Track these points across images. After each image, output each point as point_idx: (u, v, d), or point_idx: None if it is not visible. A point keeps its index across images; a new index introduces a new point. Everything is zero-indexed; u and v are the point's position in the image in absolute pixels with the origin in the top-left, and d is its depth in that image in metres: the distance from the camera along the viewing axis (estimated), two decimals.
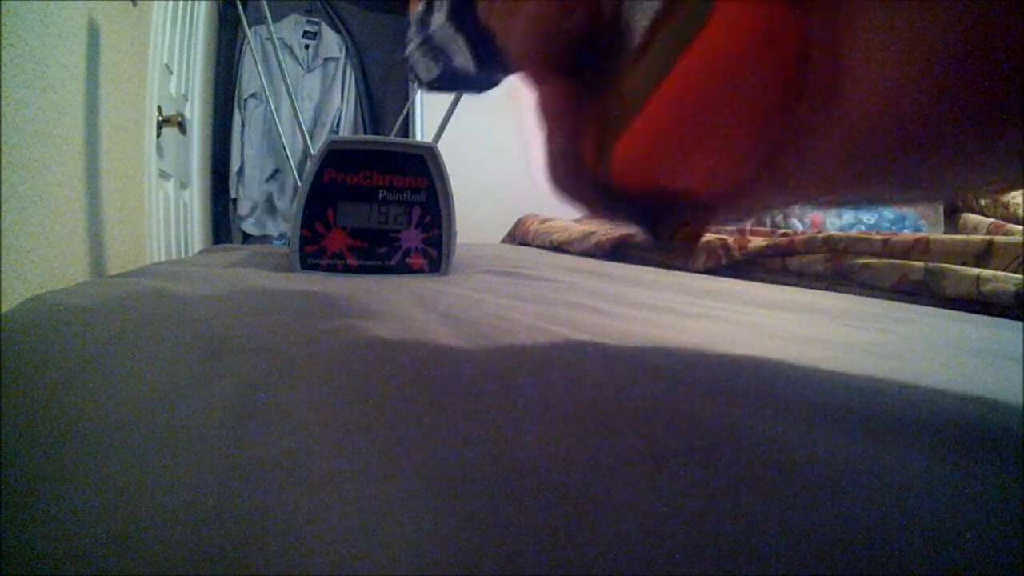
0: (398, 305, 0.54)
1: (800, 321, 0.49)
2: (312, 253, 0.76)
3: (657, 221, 0.22)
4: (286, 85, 0.96)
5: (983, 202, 0.97)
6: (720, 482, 0.18)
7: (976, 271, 0.54)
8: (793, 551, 0.16)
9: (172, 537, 0.16)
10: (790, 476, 0.19)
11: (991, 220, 0.93)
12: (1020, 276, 0.51)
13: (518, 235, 1.48)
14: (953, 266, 0.56)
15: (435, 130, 0.87)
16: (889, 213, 0.93)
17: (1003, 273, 0.53)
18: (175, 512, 0.17)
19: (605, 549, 0.15)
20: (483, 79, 0.36)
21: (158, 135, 1.30)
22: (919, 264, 0.59)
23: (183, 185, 1.71)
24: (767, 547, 0.16)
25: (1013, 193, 0.93)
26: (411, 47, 0.38)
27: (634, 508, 0.17)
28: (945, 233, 0.92)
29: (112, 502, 0.18)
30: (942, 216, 0.98)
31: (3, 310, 0.48)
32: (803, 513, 0.17)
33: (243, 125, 2.45)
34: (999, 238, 0.58)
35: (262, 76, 1.22)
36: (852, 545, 0.17)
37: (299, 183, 0.78)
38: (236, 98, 2.46)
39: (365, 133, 2.57)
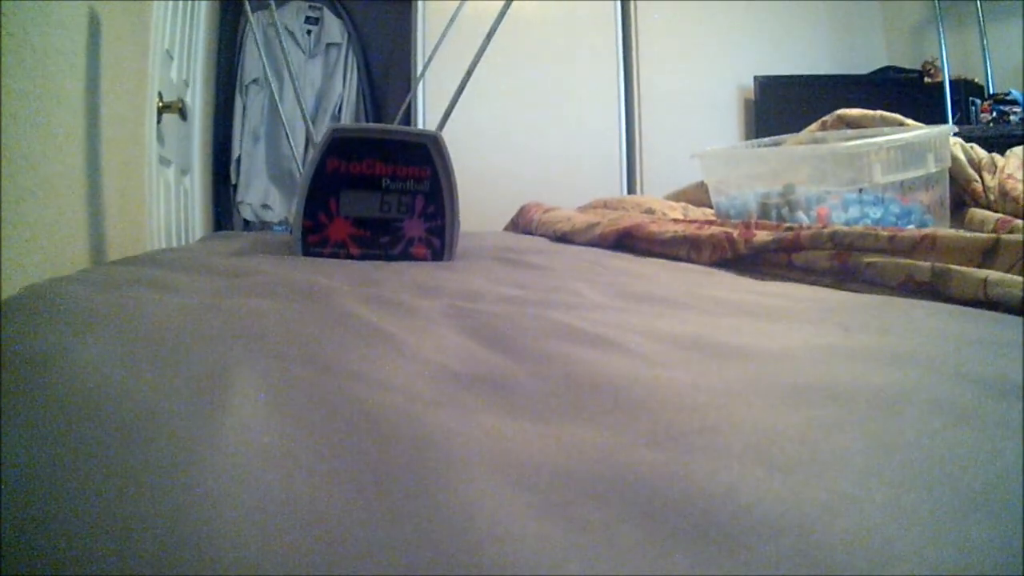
0: (399, 295, 0.53)
1: (800, 316, 0.49)
2: (315, 242, 0.75)
3: None
4: (289, 71, 0.95)
5: (991, 197, 0.96)
6: None
7: (984, 273, 0.53)
8: None
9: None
10: None
11: (998, 216, 0.92)
12: None
13: (521, 223, 1.47)
14: (960, 268, 0.56)
15: (439, 118, 0.87)
16: (895, 207, 0.92)
17: (1011, 276, 0.52)
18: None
19: None
20: None
21: (159, 121, 1.29)
22: (925, 265, 0.58)
23: (184, 172, 1.70)
24: None
25: (1021, 188, 0.93)
26: None
27: None
28: (952, 228, 0.91)
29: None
30: (948, 211, 0.97)
31: (3, 297, 0.48)
32: None
33: (244, 111, 2.44)
34: (1006, 236, 0.58)
35: (264, 62, 1.21)
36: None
37: (301, 171, 0.77)
38: (238, 84, 2.45)
39: (367, 121, 2.56)
